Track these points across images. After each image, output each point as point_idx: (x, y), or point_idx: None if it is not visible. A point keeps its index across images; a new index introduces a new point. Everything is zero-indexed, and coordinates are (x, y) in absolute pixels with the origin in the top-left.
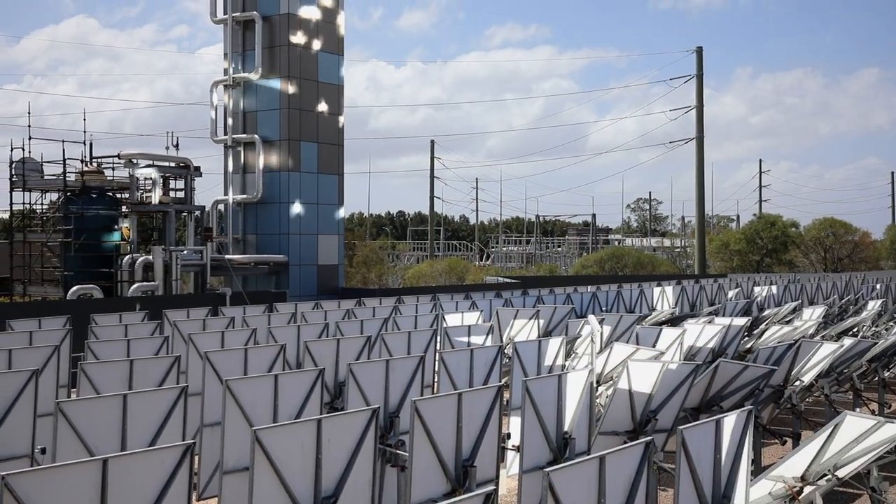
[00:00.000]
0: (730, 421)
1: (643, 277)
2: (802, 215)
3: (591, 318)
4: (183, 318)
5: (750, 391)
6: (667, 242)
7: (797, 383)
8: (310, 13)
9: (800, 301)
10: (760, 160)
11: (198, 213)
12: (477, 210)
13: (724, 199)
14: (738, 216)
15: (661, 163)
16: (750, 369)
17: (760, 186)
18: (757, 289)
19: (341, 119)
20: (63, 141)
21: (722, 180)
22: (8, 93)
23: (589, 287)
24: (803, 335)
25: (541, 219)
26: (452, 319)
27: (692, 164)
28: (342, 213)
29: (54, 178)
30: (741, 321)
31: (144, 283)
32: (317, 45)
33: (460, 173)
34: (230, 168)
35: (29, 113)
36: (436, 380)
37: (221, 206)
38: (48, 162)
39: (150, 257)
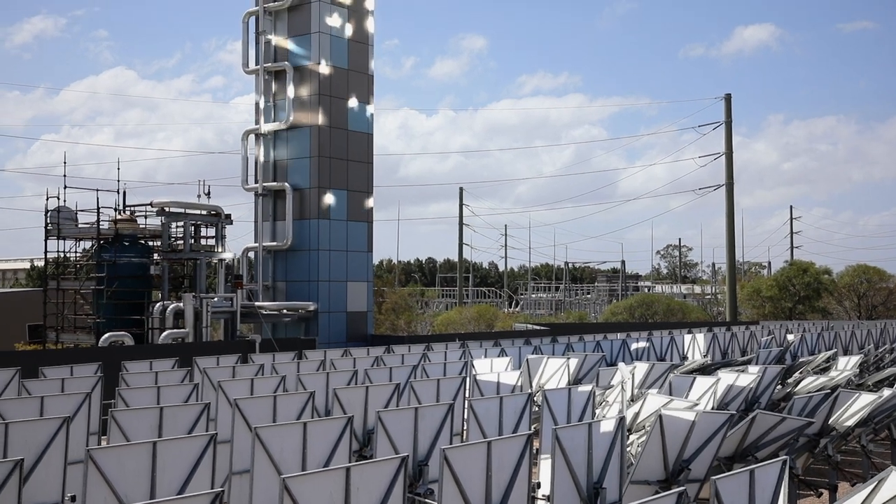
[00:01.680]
0: (764, 471)
1: (674, 325)
2: (835, 262)
3: (622, 365)
4: (213, 365)
5: (786, 442)
6: (697, 289)
7: (833, 433)
8: (340, 63)
9: (835, 349)
10: (791, 207)
11: (228, 260)
12: (506, 257)
13: (755, 246)
14: (770, 263)
15: (691, 209)
16: (787, 421)
17: (792, 233)
18: (790, 336)
19: (371, 167)
20: (97, 190)
21: (753, 227)
22: (46, 143)
23: (619, 334)
24: (840, 385)
25: (570, 265)
26: (481, 366)
27: (722, 211)
28: (371, 259)
29: (88, 226)
30: (775, 369)
31: (175, 330)
32: (346, 94)
33: (489, 220)
34: (260, 216)
35: (65, 163)
36: (465, 427)
37: (252, 254)
38: (83, 210)
39: (181, 304)
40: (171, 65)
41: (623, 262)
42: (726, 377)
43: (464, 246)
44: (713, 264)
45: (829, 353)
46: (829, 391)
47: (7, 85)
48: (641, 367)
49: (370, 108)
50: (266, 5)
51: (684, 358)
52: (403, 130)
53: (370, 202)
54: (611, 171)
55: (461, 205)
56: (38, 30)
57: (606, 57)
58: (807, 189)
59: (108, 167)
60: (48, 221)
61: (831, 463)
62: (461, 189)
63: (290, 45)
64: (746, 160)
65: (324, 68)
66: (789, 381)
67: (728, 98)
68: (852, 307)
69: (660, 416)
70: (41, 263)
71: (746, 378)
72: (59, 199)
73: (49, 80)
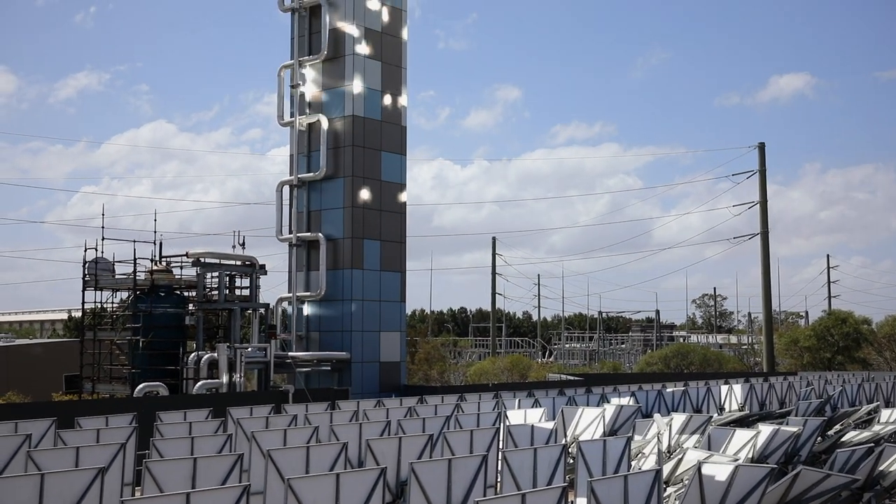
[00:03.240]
0: None
1: (710, 375)
2: (875, 312)
3: (658, 416)
4: (246, 416)
5: (829, 498)
6: (733, 339)
7: (877, 488)
8: (373, 115)
9: (877, 402)
10: (828, 255)
11: (262, 310)
12: (539, 306)
13: (791, 296)
14: (807, 312)
15: (727, 258)
16: (832, 478)
17: (829, 282)
18: (830, 388)
19: (404, 217)
20: (134, 241)
21: (790, 276)
22: (86, 195)
23: (654, 385)
24: (883, 438)
25: (604, 315)
26: (515, 417)
27: (758, 260)
28: (404, 309)
29: (125, 277)
30: (816, 422)
31: (209, 381)
32: (380, 145)
33: (523, 269)
34: (294, 266)
35: (103, 214)
36: (499, 479)
37: (286, 304)
38: (120, 262)
39: (216, 354)
40: (209, 117)
41: (657, 312)
42: (766, 429)
43: (497, 295)
44: (749, 314)
45: (872, 405)
46: (872, 445)
47: (50, 139)
48: (678, 419)
49: (404, 160)
50: (301, 59)
51: (721, 409)
52: (438, 180)
53: (403, 252)
54: (645, 219)
55: (494, 254)
56: (83, 85)
57: (641, 106)
58: (844, 237)
59: (146, 218)
60: (86, 272)
61: None
62: (493, 238)
63: (324, 97)
64: (783, 209)
65: (357, 120)
66: (830, 433)
67: (762, 147)
68: (893, 358)
69: (698, 470)
70: (78, 314)
71: (786, 430)
72: (97, 250)
73: (91, 134)
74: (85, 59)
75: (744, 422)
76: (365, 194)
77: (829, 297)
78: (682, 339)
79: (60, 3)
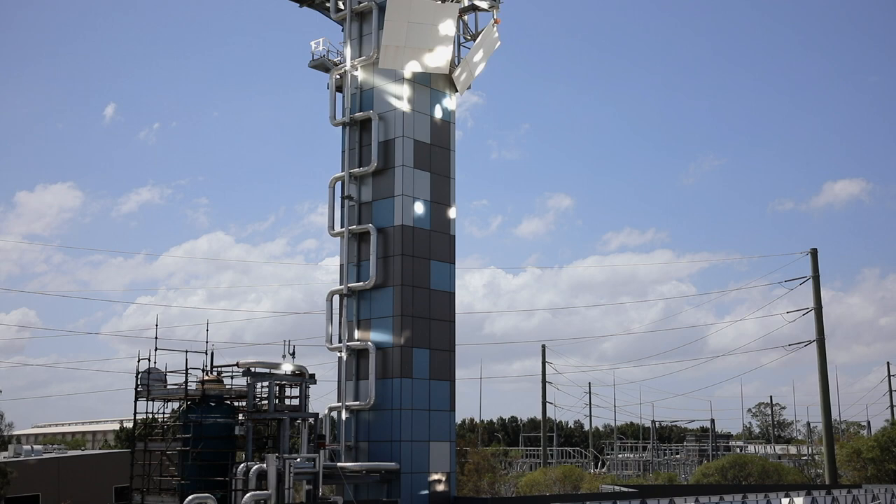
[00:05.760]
0: None
1: (769, 487)
2: None
3: None
4: None
5: None
6: (793, 450)
7: None
8: (422, 224)
9: None
10: (888, 363)
11: (311, 420)
12: (590, 415)
13: (852, 404)
14: (869, 422)
15: (784, 365)
16: None
17: (891, 390)
18: None
19: (453, 326)
20: (186, 351)
21: (850, 384)
22: (142, 306)
23: (712, 497)
24: None
25: (657, 424)
26: None
27: (816, 367)
28: (454, 419)
29: (176, 387)
30: None
31: (258, 493)
32: (429, 254)
33: (574, 378)
34: (343, 375)
35: (157, 325)
36: None
37: (335, 413)
38: (172, 371)
39: (265, 465)
40: (264, 228)
41: (712, 421)
42: None
43: (547, 404)
44: (808, 423)
45: None
46: None
47: (111, 252)
48: None
49: (453, 269)
50: (352, 170)
51: None
52: (490, 289)
53: (452, 361)
54: (699, 326)
55: (544, 362)
56: (145, 199)
57: (694, 212)
58: None
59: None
60: (138, 383)
61: None
62: (543, 347)
63: (374, 207)
64: (841, 315)
65: (406, 230)
66: None
67: (814, 253)
68: None
69: None
70: (130, 424)
71: None
72: (149, 360)
73: (150, 246)
74: (148, 175)
75: None
76: (414, 303)
77: (892, 405)
78: (738, 450)
79: (126, 120)
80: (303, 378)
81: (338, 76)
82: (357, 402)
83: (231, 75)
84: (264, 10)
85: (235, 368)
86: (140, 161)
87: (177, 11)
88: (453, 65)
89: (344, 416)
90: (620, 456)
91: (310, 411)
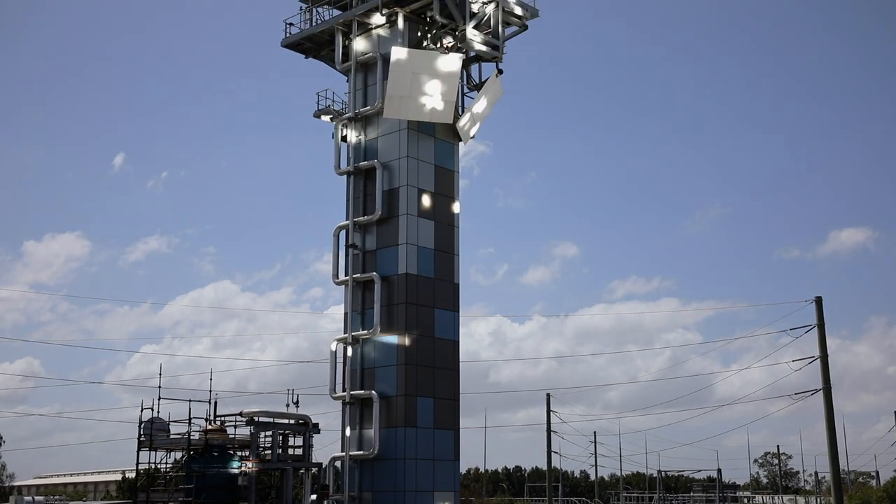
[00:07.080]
0: None
1: None
2: None
3: None
4: None
5: None
6: (801, 500)
7: None
8: (426, 272)
9: None
10: (895, 412)
11: (315, 469)
12: (596, 465)
13: (861, 454)
14: (878, 472)
15: (791, 414)
16: None
17: None
18: None
19: (457, 374)
20: (190, 401)
21: (858, 433)
22: (146, 355)
23: None
24: None
25: (663, 474)
26: None
27: (823, 416)
28: (458, 468)
29: (179, 437)
30: None
31: None
32: (433, 302)
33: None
34: (347, 424)
35: (160, 374)
36: None
37: (338, 463)
38: (175, 421)
39: None
40: (270, 276)
41: (719, 471)
42: None
43: (552, 454)
44: (816, 473)
45: None
46: None
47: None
48: None
49: (457, 317)
50: (356, 219)
51: None
52: (495, 337)
53: (457, 410)
54: (706, 374)
55: (548, 411)
56: (152, 249)
57: (699, 261)
58: None
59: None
60: (141, 433)
61: None
62: (548, 395)
63: (378, 256)
64: (848, 363)
65: (410, 278)
66: None
67: (818, 301)
68: None
69: None
70: (133, 474)
71: None
72: (153, 409)
73: (156, 295)
74: (156, 224)
75: None
76: (418, 351)
77: None
78: (745, 500)
79: (134, 170)
80: (306, 427)
81: (342, 126)
82: (361, 452)
83: (239, 125)
84: (271, 62)
85: (239, 418)
86: (148, 210)
87: (185, 62)
88: (457, 114)
89: (347, 465)
90: None
91: (313, 461)
